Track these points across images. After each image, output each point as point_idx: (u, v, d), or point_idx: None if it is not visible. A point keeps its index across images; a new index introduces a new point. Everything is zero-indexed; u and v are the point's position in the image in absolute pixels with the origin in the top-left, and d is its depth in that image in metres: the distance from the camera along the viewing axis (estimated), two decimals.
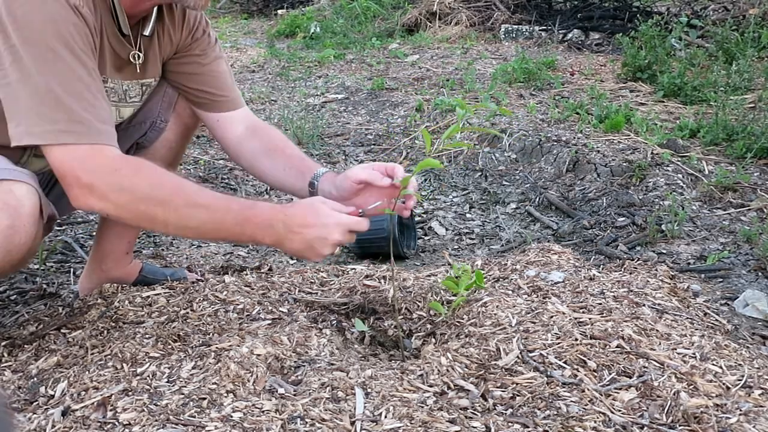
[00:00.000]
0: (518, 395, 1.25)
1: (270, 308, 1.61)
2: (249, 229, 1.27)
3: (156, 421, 1.14)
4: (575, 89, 3.83)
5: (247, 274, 1.84)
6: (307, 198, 1.37)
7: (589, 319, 1.50)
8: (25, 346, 1.48)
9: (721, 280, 1.94)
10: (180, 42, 1.52)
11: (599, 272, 1.82)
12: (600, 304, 1.58)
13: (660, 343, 1.41)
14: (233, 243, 1.33)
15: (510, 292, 1.67)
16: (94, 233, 1.81)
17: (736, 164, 2.68)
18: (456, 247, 2.49)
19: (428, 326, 1.60)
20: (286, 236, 1.28)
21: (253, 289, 1.72)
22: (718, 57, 3.95)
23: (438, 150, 3.12)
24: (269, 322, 1.54)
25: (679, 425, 1.17)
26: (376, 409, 1.20)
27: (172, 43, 1.51)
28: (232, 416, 1.16)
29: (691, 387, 1.27)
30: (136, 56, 1.41)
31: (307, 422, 1.15)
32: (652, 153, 2.77)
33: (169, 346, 1.40)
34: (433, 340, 1.55)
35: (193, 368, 1.31)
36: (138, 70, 1.44)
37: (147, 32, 1.40)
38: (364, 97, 4.07)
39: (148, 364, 1.33)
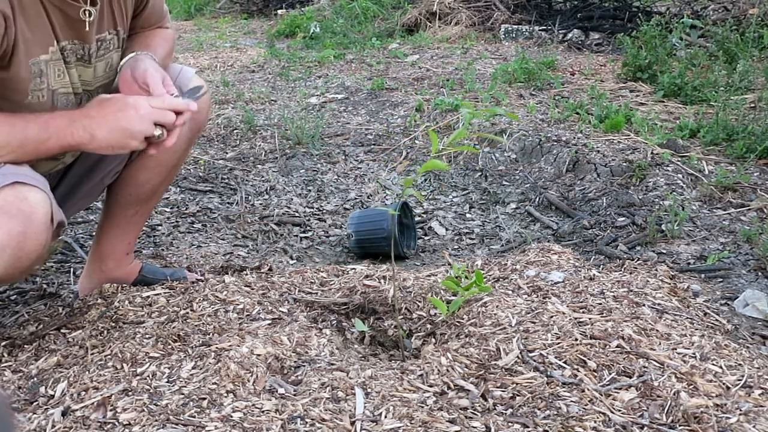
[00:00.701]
0: (518, 395, 1.25)
1: (270, 308, 1.61)
2: (53, 131, 1.27)
3: (156, 421, 1.14)
4: (575, 89, 3.83)
5: (247, 274, 1.84)
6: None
7: (589, 319, 1.50)
8: (25, 346, 1.48)
9: (721, 280, 1.94)
10: None
11: (599, 272, 1.82)
12: (600, 304, 1.58)
13: (660, 343, 1.42)
14: (50, 155, 1.34)
15: (510, 292, 1.67)
16: (94, 233, 1.81)
17: (736, 164, 2.68)
18: (456, 247, 2.49)
19: (428, 326, 1.60)
20: (92, 126, 1.29)
21: (253, 289, 1.72)
22: (718, 57, 3.95)
23: (438, 151, 3.12)
24: (269, 322, 1.54)
25: (679, 425, 1.17)
26: (376, 409, 1.20)
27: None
28: (232, 416, 1.16)
29: (691, 387, 1.27)
30: (86, 12, 1.37)
31: (307, 422, 1.15)
32: (652, 153, 2.77)
33: (169, 346, 1.40)
34: (433, 340, 1.55)
35: (193, 368, 1.31)
36: (87, 27, 1.39)
37: None
38: (364, 97, 4.07)
39: (148, 364, 1.33)
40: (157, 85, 1.40)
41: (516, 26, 5.62)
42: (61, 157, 1.53)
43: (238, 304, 1.60)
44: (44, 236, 1.24)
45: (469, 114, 1.34)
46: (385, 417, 1.18)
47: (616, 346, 1.38)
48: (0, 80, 1.28)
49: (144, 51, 1.51)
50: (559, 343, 1.39)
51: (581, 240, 2.34)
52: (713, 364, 1.35)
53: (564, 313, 1.52)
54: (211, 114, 3.75)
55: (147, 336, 1.44)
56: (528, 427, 1.16)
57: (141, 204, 1.69)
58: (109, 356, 1.37)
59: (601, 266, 1.96)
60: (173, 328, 1.47)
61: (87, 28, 1.39)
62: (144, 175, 1.64)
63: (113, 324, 1.52)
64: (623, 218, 2.40)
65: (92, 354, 1.39)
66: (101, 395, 1.22)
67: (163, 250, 2.18)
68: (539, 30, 5.47)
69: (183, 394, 1.22)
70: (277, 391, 1.26)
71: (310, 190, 2.90)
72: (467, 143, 3.12)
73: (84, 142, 1.30)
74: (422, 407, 1.21)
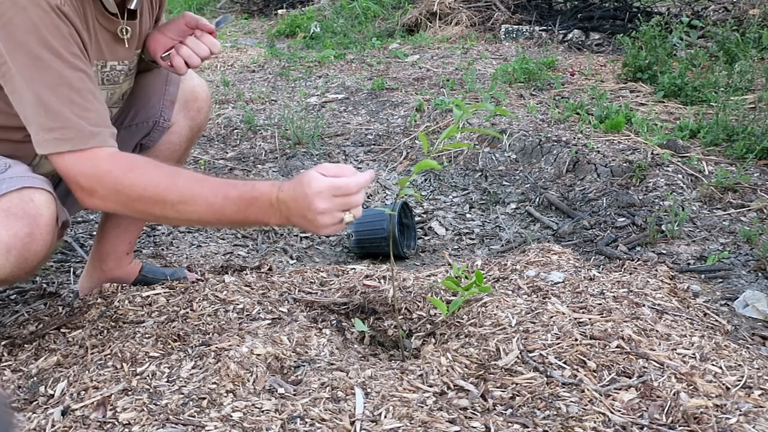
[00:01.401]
0: (518, 395, 1.25)
1: (270, 308, 1.61)
2: (252, 215, 1.26)
3: (156, 420, 1.14)
4: (575, 89, 3.83)
5: (247, 274, 1.84)
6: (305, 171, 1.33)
7: (589, 319, 1.50)
8: (25, 345, 1.48)
9: (721, 280, 1.94)
10: (156, 12, 1.56)
11: (599, 272, 1.82)
12: (600, 304, 1.58)
13: (660, 344, 1.41)
14: (243, 228, 1.36)
15: (510, 292, 1.67)
16: (94, 233, 1.81)
17: (736, 165, 2.68)
18: (456, 247, 2.49)
19: (428, 326, 1.60)
20: (287, 213, 1.24)
21: (253, 289, 1.72)
22: (718, 57, 3.95)
23: (437, 150, 3.12)
24: (269, 322, 1.54)
25: (679, 425, 1.17)
26: (376, 409, 1.20)
27: (152, 13, 1.54)
28: (231, 416, 1.16)
29: (691, 387, 1.27)
30: (124, 30, 1.42)
31: (307, 422, 1.15)
32: (652, 153, 2.77)
33: (169, 346, 1.40)
34: (433, 340, 1.55)
35: (193, 368, 1.31)
36: (127, 45, 1.45)
37: (132, 6, 1.41)
38: (364, 97, 4.07)
39: (148, 363, 1.33)
40: (206, 23, 1.49)
41: (516, 26, 5.62)
42: None
43: (238, 304, 1.60)
44: (50, 237, 1.25)
45: (459, 112, 1.33)
46: (385, 417, 1.18)
47: (616, 347, 1.38)
48: None
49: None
50: (559, 344, 1.39)
51: (581, 240, 2.34)
52: (713, 365, 1.35)
53: (564, 314, 1.52)
54: (211, 114, 3.75)
55: (147, 336, 1.44)
56: (528, 427, 1.16)
57: None
58: (109, 356, 1.37)
59: (601, 266, 1.96)
60: (173, 327, 1.47)
61: (126, 45, 1.44)
62: None
63: (113, 324, 1.52)
64: (623, 218, 2.40)
65: (92, 353, 1.39)
66: (101, 395, 1.22)
67: (163, 250, 2.18)
68: (539, 30, 5.47)
69: (183, 393, 1.22)
70: (277, 391, 1.26)
71: None
72: (467, 142, 3.12)
73: (277, 224, 1.29)
74: (422, 407, 1.21)
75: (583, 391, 1.25)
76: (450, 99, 3.61)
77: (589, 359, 1.34)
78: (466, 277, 1.69)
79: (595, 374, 1.31)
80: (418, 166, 1.32)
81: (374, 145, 3.36)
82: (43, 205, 1.24)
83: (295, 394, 1.25)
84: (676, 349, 1.40)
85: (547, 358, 1.35)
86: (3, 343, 1.49)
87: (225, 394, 1.23)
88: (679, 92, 3.54)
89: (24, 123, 1.25)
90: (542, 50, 4.92)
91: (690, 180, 2.60)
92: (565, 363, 1.33)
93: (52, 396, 1.26)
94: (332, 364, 1.39)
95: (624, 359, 1.35)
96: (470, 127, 3.17)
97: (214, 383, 1.25)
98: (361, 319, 1.62)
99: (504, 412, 1.21)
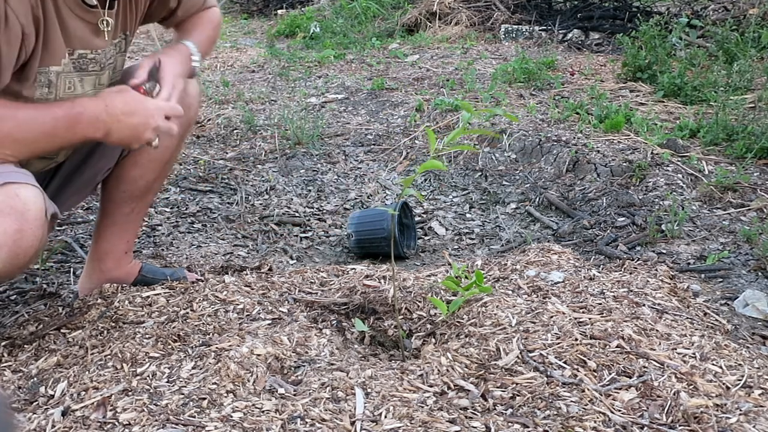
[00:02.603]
0: (518, 395, 1.25)
1: (270, 308, 1.61)
2: (80, 130, 1.31)
3: (156, 421, 1.14)
4: (575, 89, 3.83)
5: (247, 274, 1.84)
6: (116, 86, 1.43)
7: (589, 319, 1.50)
8: (25, 346, 1.48)
9: (721, 280, 1.94)
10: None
11: (599, 272, 1.82)
12: (600, 304, 1.58)
13: (660, 343, 1.42)
14: (66, 145, 1.41)
15: (510, 292, 1.67)
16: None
17: (736, 164, 2.68)
18: (456, 247, 2.49)
19: (428, 326, 1.60)
20: (113, 126, 1.33)
21: (253, 289, 1.72)
22: (718, 57, 3.95)
23: (436, 150, 3.11)
24: (269, 322, 1.54)
25: (679, 425, 1.17)
26: (376, 409, 1.20)
27: (138, 4, 1.52)
28: (232, 416, 1.16)
29: (691, 387, 1.27)
30: (104, 23, 1.41)
31: (307, 422, 1.15)
32: (652, 153, 2.77)
33: (169, 346, 1.40)
34: (433, 340, 1.55)
35: (193, 368, 1.31)
36: (107, 37, 1.44)
37: None
38: (364, 97, 4.07)
39: (148, 364, 1.33)
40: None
41: (516, 26, 5.62)
42: (54, 156, 1.53)
43: (238, 304, 1.60)
44: (40, 231, 1.24)
45: (468, 114, 1.33)
46: (385, 417, 1.18)
47: (616, 346, 1.38)
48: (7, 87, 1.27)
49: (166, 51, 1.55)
50: (559, 343, 1.39)
51: (581, 240, 2.34)
52: (713, 364, 1.35)
53: (564, 313, 1.52)
54: (211, 114, 3.75)
55: (147, 336, 1.44)
56: (528, 427, 1.16)
57: (136, 201, 1.69)
58: (109, 356, 1.37)
59: (601, 266, 1.96)
60: (173, 328, 1.47)
61: (106, 38, 1.43)
62: (136, 172, 1.64)
63: (113, 324, 1.52)
64: (623, 218, 2.40)
65: (92, 354, 1.39)
66: (101, 395, 1.22)
67: (163, 250, 2.18)
68: (539, 30, 5.47)
69: (183, 394, 1.22)
70: (277, 391, 1.26)
71: (310, 190, 2.90)
72: (467, 143, 3.13)
73: (99, 137, 1.35)
74: (422, 407, 1.21)
75: (583, 391, 1.25)
76: (450, 99, 3.61)
77: (589, 359, 1.34)
78: (466, 277, 1.69)
79: (596, 374, 1.31)
80: (423, 166, 1.32)
81: (374, 145, 3.36)
82: (30, 199, 1.22)
83: (295, 394, 1.25)
84: (676, 349, 1.40)
85: (547, 358, 1.35)
86: (3, 343, 1.49)
87: (225, 395, 1.23)
88: (679, 92, 3.54)
89: None
90: (542, 50, 4.92)
91: (690, 179, 2.60)
92: (565, 363, 1.34)
93: (53, 396, 1.26)
94: (332, 364, 1.39)
95: (624, 359, 1.35)
96: (473, 129, 3.17)
97: (215, 383, 1.25)
98: (361, 319, 1.62)
99: (504, 411, 1.21)
